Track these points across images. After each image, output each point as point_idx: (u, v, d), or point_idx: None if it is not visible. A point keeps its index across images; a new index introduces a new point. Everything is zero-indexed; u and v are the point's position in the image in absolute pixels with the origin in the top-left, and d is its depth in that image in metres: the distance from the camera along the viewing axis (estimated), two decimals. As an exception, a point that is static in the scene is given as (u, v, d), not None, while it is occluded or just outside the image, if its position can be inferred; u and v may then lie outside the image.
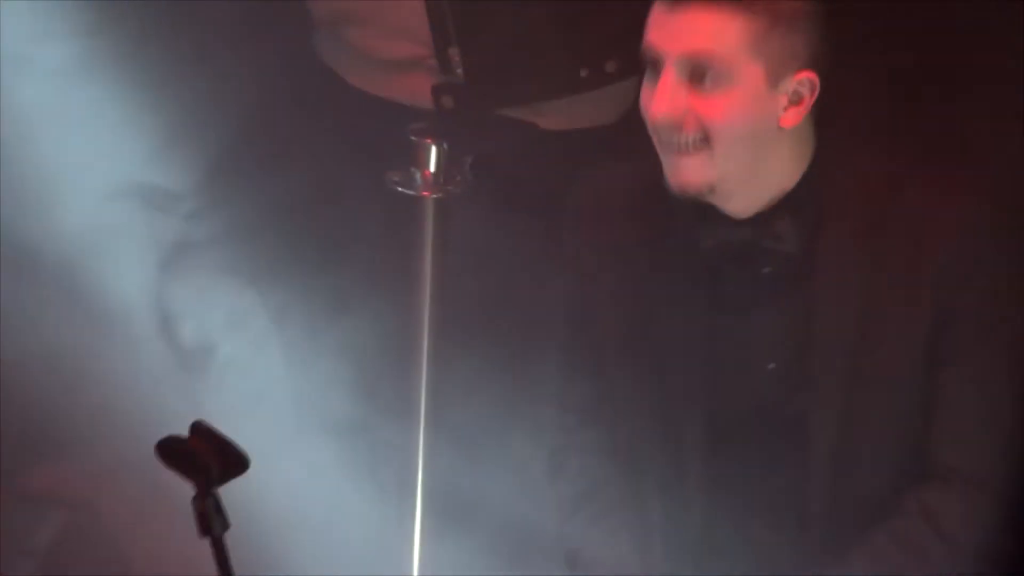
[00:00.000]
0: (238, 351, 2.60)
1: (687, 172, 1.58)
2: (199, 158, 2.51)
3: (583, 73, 2.12)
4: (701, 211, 1.65)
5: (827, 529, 1.71)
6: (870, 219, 1.64)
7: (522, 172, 2.35)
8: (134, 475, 2.38)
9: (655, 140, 1.61)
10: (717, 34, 1.52)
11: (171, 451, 1.02)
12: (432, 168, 2.17)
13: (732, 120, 1.55)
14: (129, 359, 2.53)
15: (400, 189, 2.21)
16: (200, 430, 1.01)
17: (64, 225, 2.43)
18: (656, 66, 1.57)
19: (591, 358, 1.80)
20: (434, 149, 2.16)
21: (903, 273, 1.64)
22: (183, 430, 1.04)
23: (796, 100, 1.58)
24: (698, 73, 1.54)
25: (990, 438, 1.65)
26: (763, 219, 1.64)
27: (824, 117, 1.67)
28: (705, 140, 1.56)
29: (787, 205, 1.64)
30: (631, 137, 1.83)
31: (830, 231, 1.64)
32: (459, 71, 2.07)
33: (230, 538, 1.04)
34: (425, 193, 2.18)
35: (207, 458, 1.00)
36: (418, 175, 2.19)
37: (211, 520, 1.01)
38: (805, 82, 1.58)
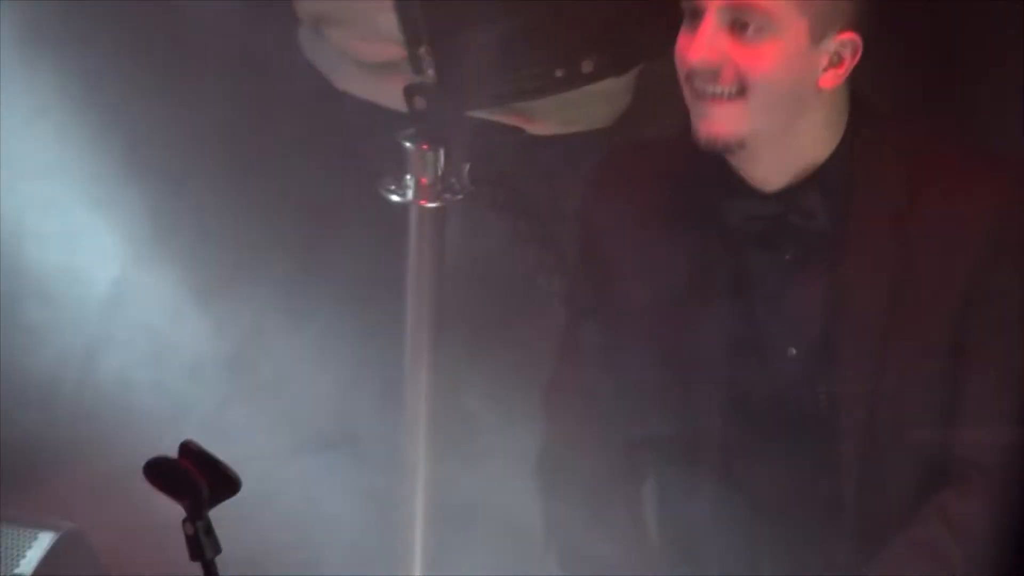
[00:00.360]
0: (227, 362, 2.57)
1: (719, 122, 1.54)
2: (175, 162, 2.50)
3: (558, 73, 2.08)
4: (726, 183, 1.61)
5: (847, 526, 1.68)
6: (903, 198, 1.60)
7: (522, 178, 2.32)
8: (123, 498, 2.34)
9: (687, 90, 1.56)
10: None
11: (159, 472, 0.98)
12: (429, 175, 2.13)
13: (771, 72, 1.51)
14: (115, 378, 2.50)
15: (395, 198, 2.16)
16: (189, 450, 0.97)
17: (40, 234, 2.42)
18: (695, 15, 1.53)
19: (601, 343, 1.76)
20: (431, 155, 2.12)
21: (935, 255, 1.60)
22: (172, 450, 1.00)
23: (836, 61, 1.55)
24: (740, 22, 1.50)
25: (1012, 433, 1.62)
26: (791, 193, 1.60)
27: (860, 90, 1.63)
28: (741, 91, 1.52)
29: (817, 180, 1.60)
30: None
31: (860, 210, 1.61)
32: (430, 71, 2.04)
33: (223, 561, 1.01)
34: (422, 202, 2.14)
35: (196, 479, 0.96)
36: (414, 183, 2.15)
37: (202, 543, 0.98)
38: (847, 43, 1.54)
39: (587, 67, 2.09)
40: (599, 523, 1.75)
